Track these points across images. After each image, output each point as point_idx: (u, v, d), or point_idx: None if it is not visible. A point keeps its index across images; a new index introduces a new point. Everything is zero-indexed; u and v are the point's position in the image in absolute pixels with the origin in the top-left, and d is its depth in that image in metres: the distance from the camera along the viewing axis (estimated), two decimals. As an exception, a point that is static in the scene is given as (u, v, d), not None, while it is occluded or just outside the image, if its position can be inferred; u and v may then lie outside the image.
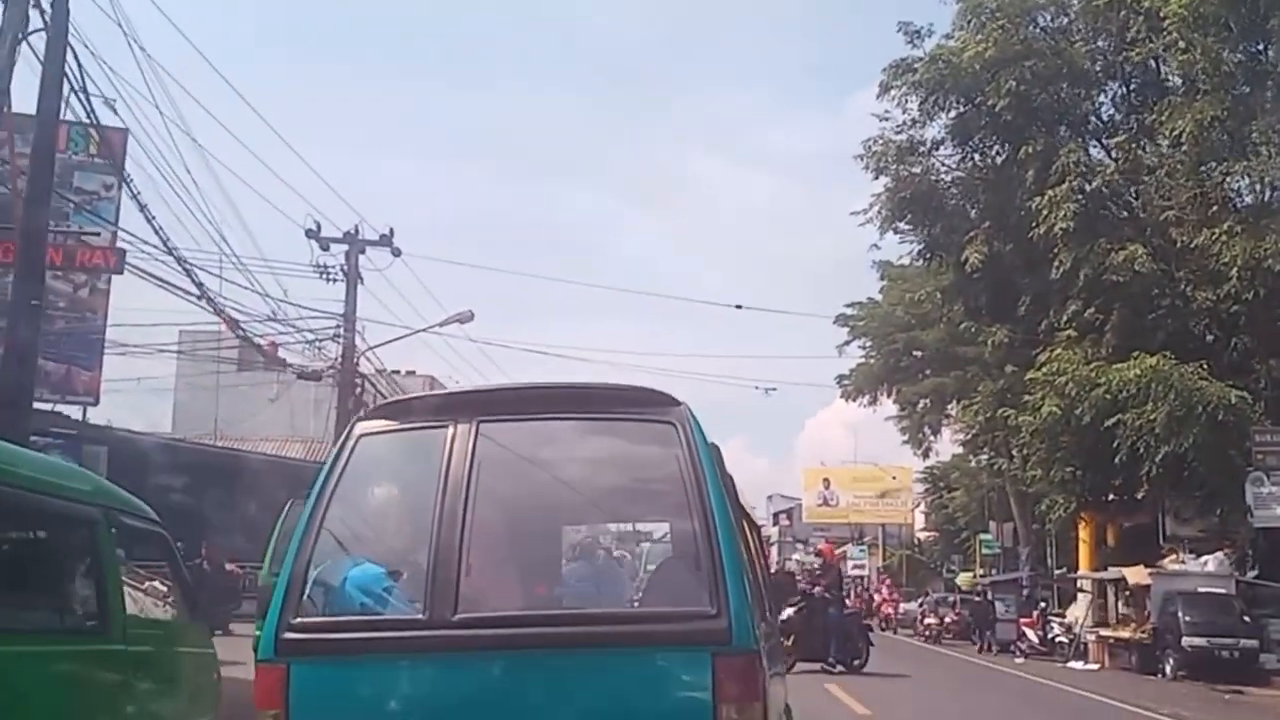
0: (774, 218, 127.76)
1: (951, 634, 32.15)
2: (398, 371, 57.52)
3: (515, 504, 5.35)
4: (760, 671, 4.71)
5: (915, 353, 44.22)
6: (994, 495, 44.47)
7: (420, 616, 4.69)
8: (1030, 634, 27.97)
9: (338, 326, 26.51)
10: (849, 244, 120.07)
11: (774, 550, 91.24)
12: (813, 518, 69.00)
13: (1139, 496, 28.25)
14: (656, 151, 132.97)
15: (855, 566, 63.45)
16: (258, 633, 11.42)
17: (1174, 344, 25.11)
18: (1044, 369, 26.00)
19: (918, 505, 65.05)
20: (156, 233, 17.98)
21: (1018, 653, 27.79)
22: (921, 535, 68.18)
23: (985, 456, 46.90)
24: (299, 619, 4.71)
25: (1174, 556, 25.76)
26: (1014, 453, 31.07)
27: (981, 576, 38.87)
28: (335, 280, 26.96)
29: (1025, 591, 30.74)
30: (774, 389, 54.99)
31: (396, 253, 27.60)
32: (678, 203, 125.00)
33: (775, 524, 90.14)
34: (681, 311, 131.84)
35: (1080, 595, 30.30)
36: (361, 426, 5.28)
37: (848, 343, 46.11)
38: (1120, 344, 25.76)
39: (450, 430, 5.02)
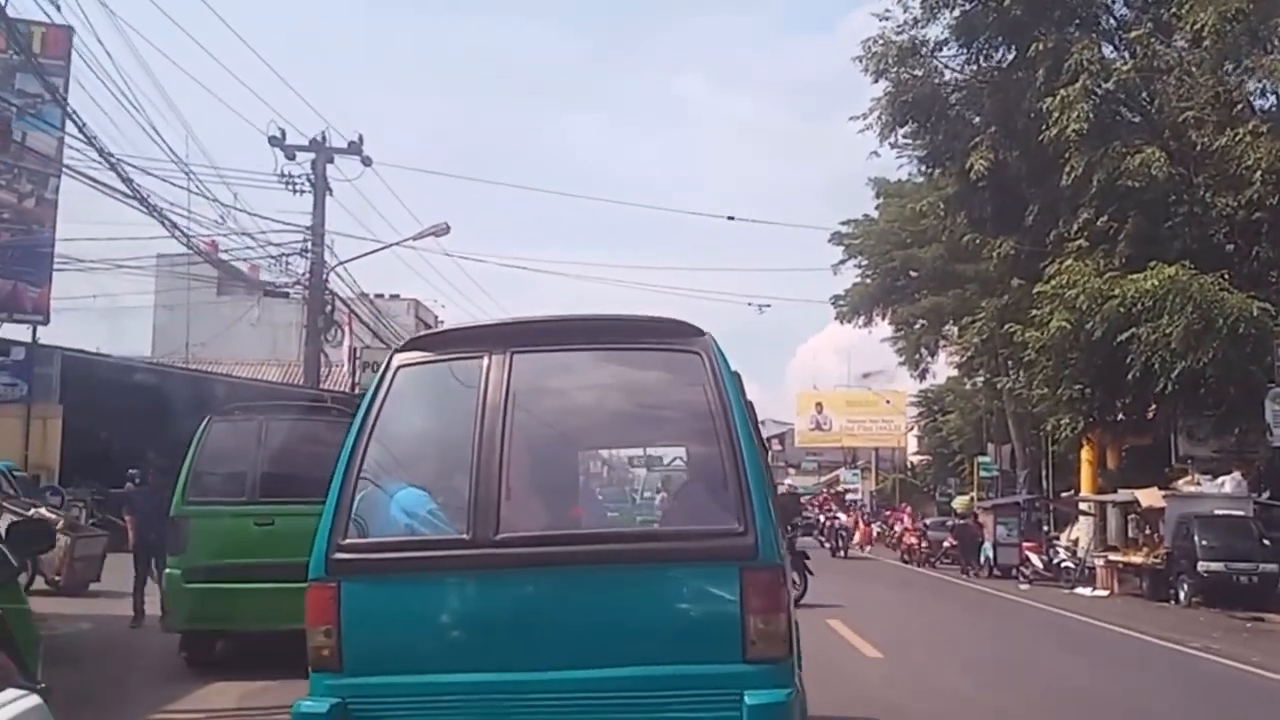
0: (768, 143, 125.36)
1: (950, 559, 30.79)
2: (381, 295, 56.10)
3: (549, 431, 5.64)
4: (784, 585, 4.98)
5: (912, 272, 42.59)
6: (991, 417, 43.06)
7: (465, 536, 4.91)
8: (1034, 559, 26.59)
9: (305, 240, 24.71)
10: (844, 168, 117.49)
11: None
12: (805, 442, 67.79)
13: (1149, 416, 26.77)
14: (650, 76, 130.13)
15: (849, 490, 62.31)
16: (171, 570, 9.79)
17: (1191, 254, 23.47)
18: (1053, 282, 24.34)
19: (911, 429, 63.76)
20: (81, 129, 16.10)
21: (1021, 578, 26.43)
22: (914, 459, 66.94)
23: (982, 378, 45.67)
24: (347, 540, 4.93)
25: (1189, 478, 24.31)
26: (1018, 372, 29.40)
27: (980, 500, 37.55)
28: (302, 191, 25.12)
29: (1028, 515, 29.31)
30: (768, 305, 53.08)
31: (367, 162, 25.75)
32: (670, 127, 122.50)
33: (768, 449, 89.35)
34: (671, 230, 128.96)
35: (1081, 518, 29.01)
36: (399, 358, 5.39)
37: (843, 262, 44.44)
38: (1135, 254, 24.08)
39: (485, 361, 5.21)
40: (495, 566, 4.87)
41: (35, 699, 3.49)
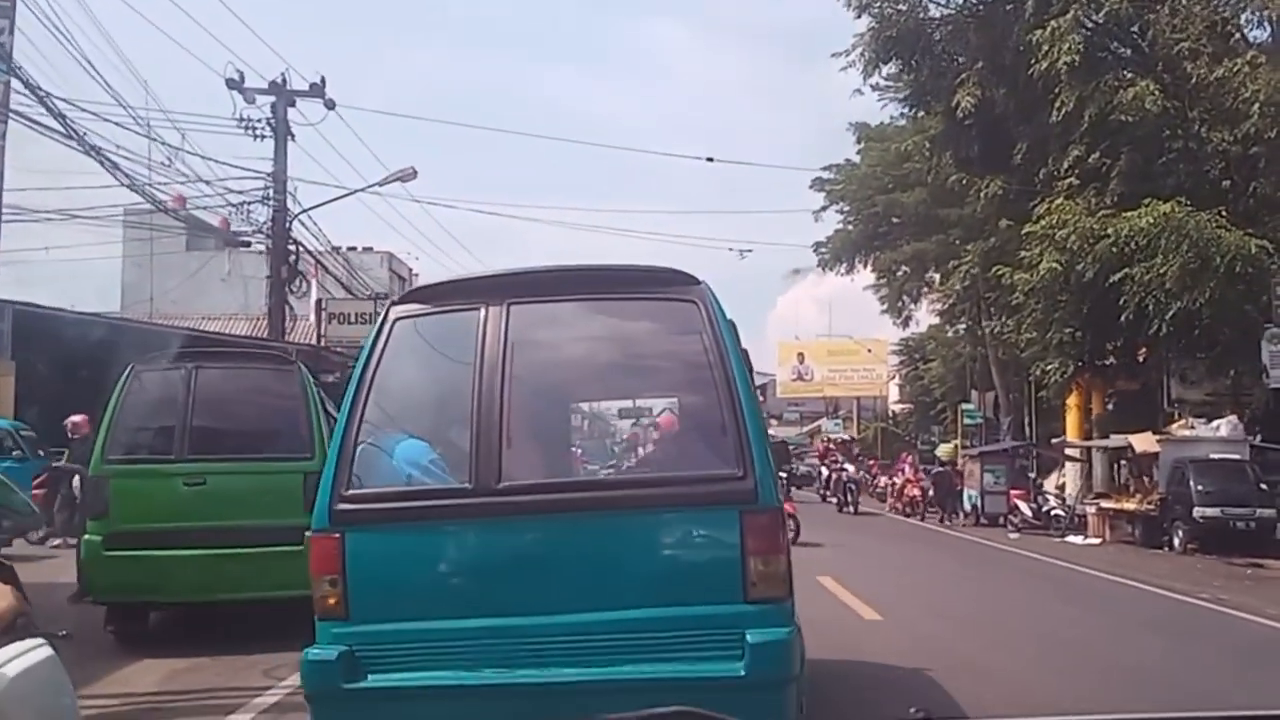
0: (748, 91, 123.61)
1: (933, 508, 30.01)
2: (354, 248, 54.93)
3: (547, 381, 5.67)
4: (783, 527, 5.10)
5: (894, 218, 41.61)
6: (975, 364, 42.33)
7: (467, 486, 4.98)
8: (1023, 507, 25.83)
9: (266, 187, 23.54)
10: (826, 117, 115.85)
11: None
12: (787, 393, 67.04)
13: (1140, 359, 26.00)
14: (628, 24, 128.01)
15: (831, 441, 61.76)
16: (90, 536, 8.75)
17: (1186, 191, 22.53)
18: (1043, 222, 23.39)
19: (893, 377, 63.09)
20: (12, 72, 14.92)
21: (1010, 527, 25.71)
22: (896, 408, 66.36)
23: (964, 325, 44.93)
24: (350, 491, 4.98)
25: (1183, 421, 23.57)
26: (1004, 317, 28.51)
27: (965, 447, 36.85)
28: (262, 137, 23.92)
29: (1014, 462, 28.52)
30: (749, 250, 51.82)
31: (330, 105, 24.50)
32: (650, 75, 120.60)
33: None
34: (651, 177, 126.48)
35: (1067, 465, 28.32)
36: (396, 310, 5.41)
37: (824, 208, 43.46)
38: (1127, 192, 23.12)
39: (482, 312, 5.22)
40: (498, 515, 4.95)
41: (47, 650, 3.48)
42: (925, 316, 50.38)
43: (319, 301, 25.31)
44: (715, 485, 4.96)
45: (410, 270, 59.66)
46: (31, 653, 3.38)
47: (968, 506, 28.42)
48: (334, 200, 25.37)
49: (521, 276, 5.60)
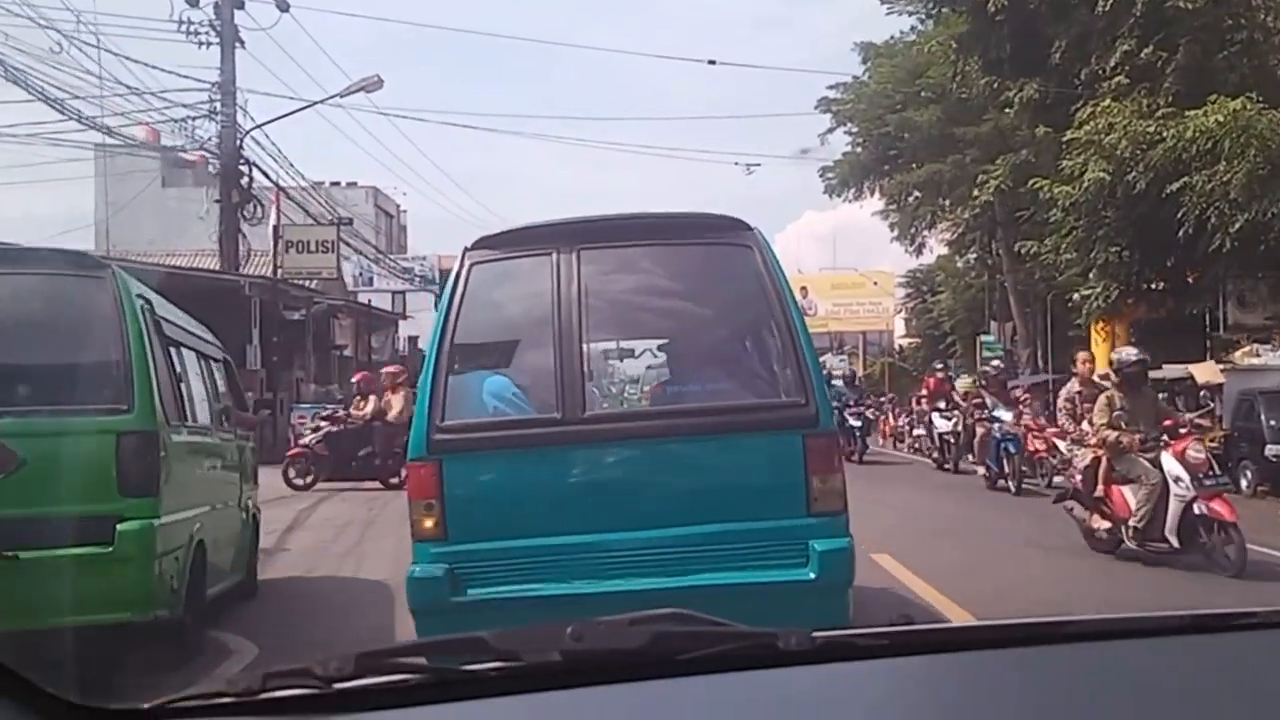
0: (749, 27, 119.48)
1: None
2: (337, 183, 52.21)
3: (620, 319, 6.36)
4: (839, 449, 5.92)
5: (906, 136, 38.63)
6: (995, 294, 39.56)
7: (556, 415, 5.45)
8: (1061, 446, 23.07)
9: (212, 99, 20.63)
10: (828, 53, 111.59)
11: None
12: (790, 328, 64.51)
13: (1190, 280, 23.21)
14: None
15: (836, 377, 59.19)
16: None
17: (1250, 88, 19.68)
18: (1087, 127, 20.55)
19: (900, 311, 60.31)
20: None
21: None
22: (903, 342, 63.69)
23: (974, 255, 42.25)
24: (446, 422, 5.37)
25: (1248, 349, 20.85)
26: (1033, 239, 25.55)
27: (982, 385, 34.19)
28: (208, 43, 20.98)
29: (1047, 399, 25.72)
30: (757, 165, 47.55)
31: (283, 6, 21.57)
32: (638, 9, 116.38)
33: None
34: (648, 91, 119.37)
35: (1101, 399, 25.51)
36: (471, 255, 5.75)
37: (831, 130, 40.31)
38: (1184, 91, 20.24)
39: (555, 257, 5.65)
40: (585, 442, 5.46)
41: None
42: (935, 246, 47.68)
43: (275, 228, 22.29)
44: (782, 412, 5.52)
45: (398, 206, 56.76)
46: None
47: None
48: (290, 114, 22.69)
49: (588, 224, 6.01)
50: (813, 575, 5.26)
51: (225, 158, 20.40)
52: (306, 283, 24.59)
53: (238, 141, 20.58)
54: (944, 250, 47.38)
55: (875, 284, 59.01)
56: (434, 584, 5.21)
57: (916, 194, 39.84)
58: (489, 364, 5.83)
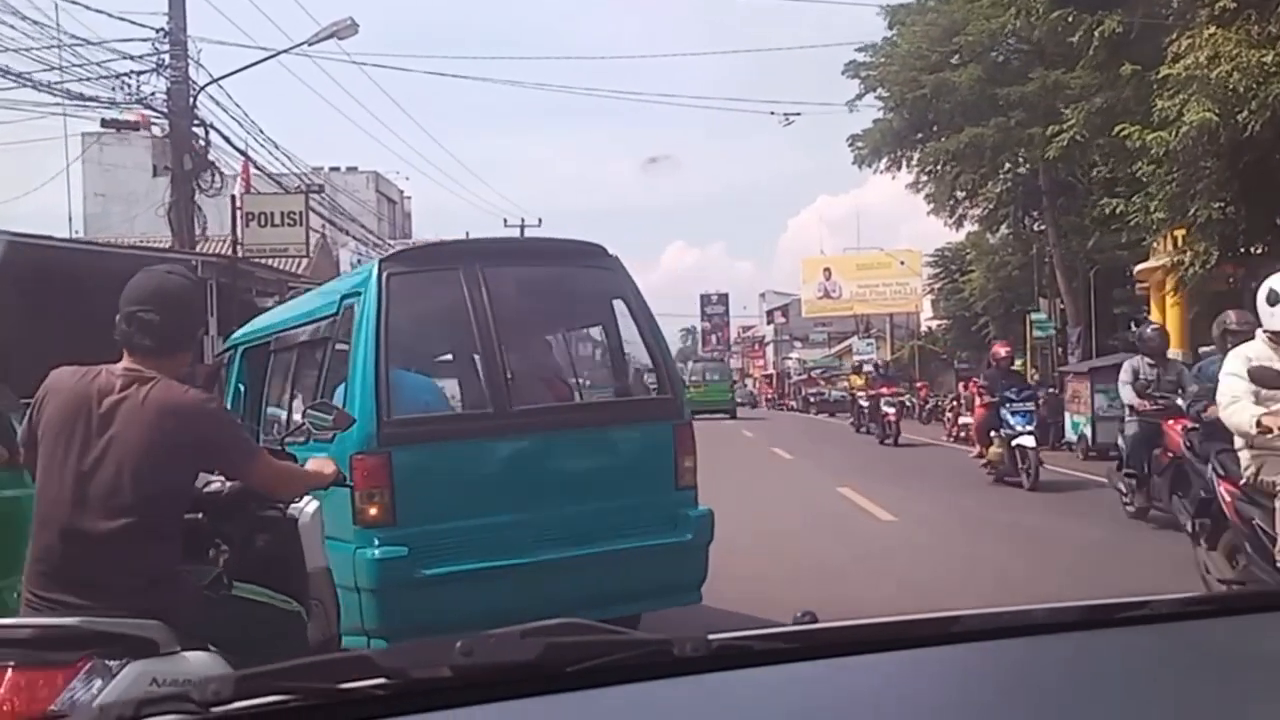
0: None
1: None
2: (336, 168, 49.32)
3: (522, 328, 7.02)
4: (692, 435, 6.73)
5: (944, 102, 35.19)
6: (1038, 270, 36.08)
7: (490, 410, 6.34)
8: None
9: (159, 51, 17.27)
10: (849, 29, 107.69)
11: (769, 350, 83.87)
12: (813, 312, 60.92)
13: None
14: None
15: (862, 362, 55.70)
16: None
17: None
18: (1185, 61, 17.08)
19: (929, 291, 56.67)
20: None
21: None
22: (931, 324, 60.07)
23: (1007, 229, 39.05)
24: (392, 417, 5.92)
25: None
26: (1102, 200, 22.01)
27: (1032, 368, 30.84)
28: (156, -13, 17.71)
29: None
30: (797, 114, 41.72)
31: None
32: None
33: (770, 322, 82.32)
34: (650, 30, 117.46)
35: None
36: (387, 266, 6.32)
37: (860, 96, 36.80)
38: (1306, 12, 16.80)
39: (461, 272, 6.38)
40: (515, 432, 6.29)
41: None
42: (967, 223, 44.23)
43: (233, 197, 18.73)
44: (658, 406, 6.77)
45: (401, 192, 53.56)
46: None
47: (1073, 436, 22.34)
48: (252, 65, 19.18)
49: (485, 245, 7.80)
50: (689, 536, 6.48)
51: (175, 116, 17.07)
52: (281, 264, 21.21)
53: (191, 99, 17.27)
54: (974, 227, 43.96)
55: (902, 263, 55.41)
56: (399, 563, 5.73)
57: (948, 166, 36.27)
58: (414, 365, 6.68)
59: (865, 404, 31.79)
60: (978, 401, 18.89)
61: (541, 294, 7.09)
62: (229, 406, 7.55)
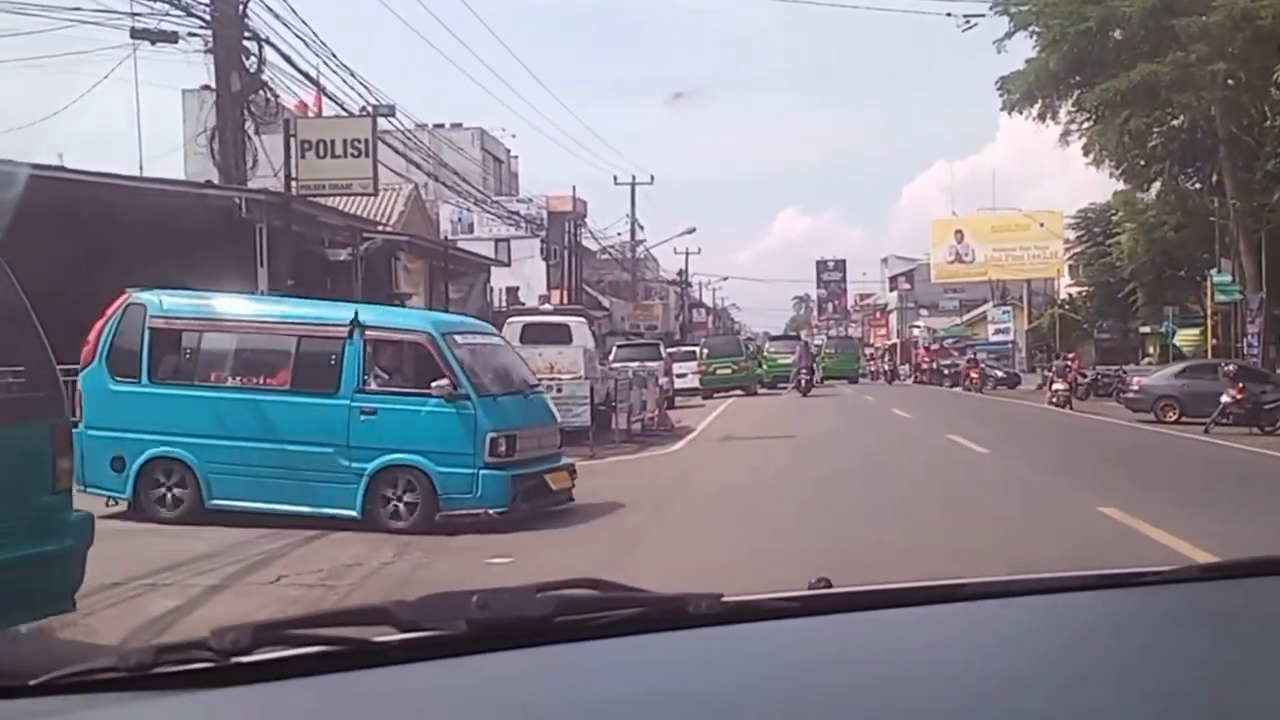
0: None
1: (1230, 419, 19.73)
2: (441, 125, 46.50)
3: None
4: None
5: (1111, 35, 30.60)
6: (1225, 223, 31.29)
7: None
8: None
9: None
10: None
11: (892, 318, 79.09)
12: (943, 276, 56.22)
13: None
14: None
15: (998, 331, 50.96)
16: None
17: None
18: None
19: (1070, 255, 51.65)
20: None
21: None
22: (1070, 291, 54.94)
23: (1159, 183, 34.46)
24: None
25: None
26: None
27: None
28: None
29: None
30: (978, 18, 35.88)
31: None
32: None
33: (893, 289, 77.45)
34: None
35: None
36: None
37: (1009, 34, 32.30)
38: None
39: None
40: None
41: None
42: (1106, 181, 39.41)
43: (286, 122, 15.20)
44: (30, 405, 5.56)
45: (508, 151, 50.49)
46: None
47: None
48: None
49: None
50: (69, 542, 5.59)
51: (221, 22, 13.89)
52: (340, 204, 17.87)
53: (241, 4, 14.11)
54: (1120, 185, 39.13)
55: (1041, 225, 50.47)
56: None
57: (1121, 108, 31.47)
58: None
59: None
60: None
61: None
62: None
